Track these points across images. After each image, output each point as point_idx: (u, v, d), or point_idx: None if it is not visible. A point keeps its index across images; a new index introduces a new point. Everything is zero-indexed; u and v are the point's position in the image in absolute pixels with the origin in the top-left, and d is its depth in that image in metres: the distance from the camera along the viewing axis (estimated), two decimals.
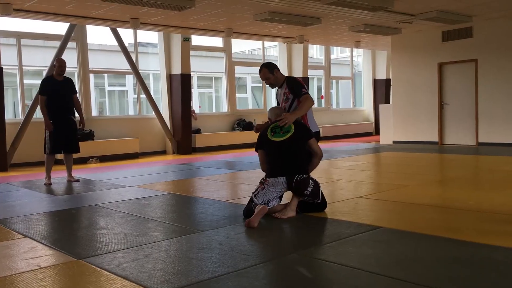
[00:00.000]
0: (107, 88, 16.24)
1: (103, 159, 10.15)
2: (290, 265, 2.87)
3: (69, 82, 6.88)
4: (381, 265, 2.79)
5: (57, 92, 6.69)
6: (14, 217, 4.49)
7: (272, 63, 4.60)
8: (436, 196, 4.94)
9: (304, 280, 2.61)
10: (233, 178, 6.80)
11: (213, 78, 16.86)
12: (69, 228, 4.11)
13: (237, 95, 13.79)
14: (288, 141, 4.13)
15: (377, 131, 15.39)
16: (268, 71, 4.44)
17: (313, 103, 4.31)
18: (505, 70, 10.60)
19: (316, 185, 4.13)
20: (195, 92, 14.93)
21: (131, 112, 15.67)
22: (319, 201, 4.17)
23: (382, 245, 3.24)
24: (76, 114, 6.97)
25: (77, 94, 7.03)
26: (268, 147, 4.22)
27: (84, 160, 9.87)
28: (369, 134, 15.97)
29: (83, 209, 4.84)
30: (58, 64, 6.74)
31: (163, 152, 11.64)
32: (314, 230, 3.73)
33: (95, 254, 3.20)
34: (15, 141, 9.18)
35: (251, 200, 4.12)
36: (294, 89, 4.32)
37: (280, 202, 4.20)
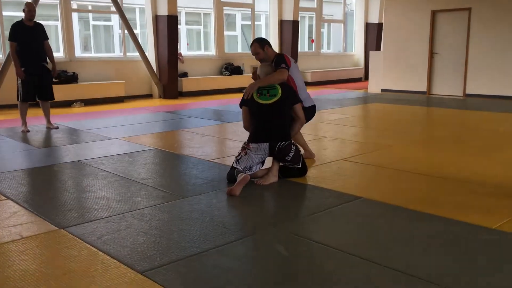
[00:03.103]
0: (92, 22, 15.72)
1: (88, 102, 10.02)
2: (268, 242, 2.93)
3: (40, 27, 6.68)
4: (355, 244, 2.85)
5: (28, 38, 6.51)
6: None
7: (264, 39, 4.57)
8: (417, 160, 4.99)
9: (280, 259, 2.68)
10: (218, 132, 6.79)
11: (202, 14, 16.35)
12: (52, 189, 4.11)
13: (226, 33, 13.43)
14: (274, 105, 4.09)
15: (366, 77, 15.29)
16: (259, 46, 4.42)
17: (285, 78, 4.24)
18: (499, 21, 10.42)
19: (297, 150, 4.15)
20: (182, 29, 14.47)
21: (117, 49, 15.26)
22: (299, 166, 4.20)
23: (359, 220, 3.30)
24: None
25: (50, 39, 6.82)
26: (253, 107, 4.18)
27: (68, 104, 9.74)
28: (358, 79, 15.88)
29: (66, 166, 4.83)
30: (28, 8, 6.51)
31: (149, 96, 11.50)
32: (295, 200, 3.78)
33: (77, 223, 3.22)
34: None
35: (234, 165, 4.14)
36: (277, 62, 4.27)
37: (262, 166, 4.23)
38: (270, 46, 4.48)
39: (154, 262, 2.63)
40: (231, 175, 4.10)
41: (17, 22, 6.56)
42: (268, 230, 3.10)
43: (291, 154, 4.08)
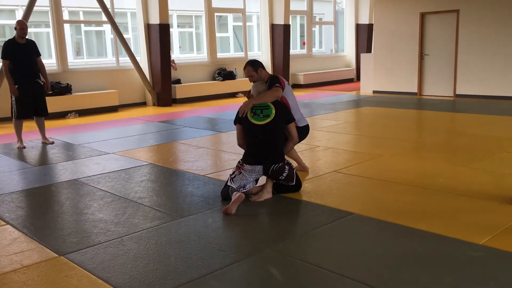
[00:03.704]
0: (83, 28, 15.76)
1: (82, 113, 10.08)
2: (263, 264, 3.02)
3: (32, 44, 6.79)
4: (348, 265, 2.95)
5: (21, 56, 6.62)
6: None
7: (257, 61, 4.57)
8: (407, 170, 5.09)
9: (275, 283, 2.77)
10: (213, 143, 6.87)
11: (193, 16, 16.40)
12: (50, 212, 4.17)
13: (218, 34, 13.49)
14: (267, 126, 4.15)
15: (358, 77, 15.40)
16: (252, 69, 4.46)
17: (279, 96, 4.29)
18: (486, 22, 10.56)
19: (291, 168, 4.24)
20: (174, 31, 14.52)
21: (109, 54, 15.29)
22: (293, 183, 4.29)
23: (352, 239, 3.39)
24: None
25: (41, 56, 6.90)
26: (246, 126, 4.25)
27: (62, 115, 9.79)
28: (350, 80, 15.99)
29: (64, 186, 4.90)
30: (20, 26, 6.63)
31: (143, 104, 11.56)
32: (289, 218, 3.87)
33: (76, 249, 3.30)
34: None
35: (228, 183, 4.22)
36: (271, 84, 4.35)
37: (256, 184, 4.31)
38: (264, 68, 4.56)
39: None
40: (225, 193, 4.19)
41: (10, 40, 6.66)
42: (263, 252, 3.19)
43: (284, 174, 4.17)
